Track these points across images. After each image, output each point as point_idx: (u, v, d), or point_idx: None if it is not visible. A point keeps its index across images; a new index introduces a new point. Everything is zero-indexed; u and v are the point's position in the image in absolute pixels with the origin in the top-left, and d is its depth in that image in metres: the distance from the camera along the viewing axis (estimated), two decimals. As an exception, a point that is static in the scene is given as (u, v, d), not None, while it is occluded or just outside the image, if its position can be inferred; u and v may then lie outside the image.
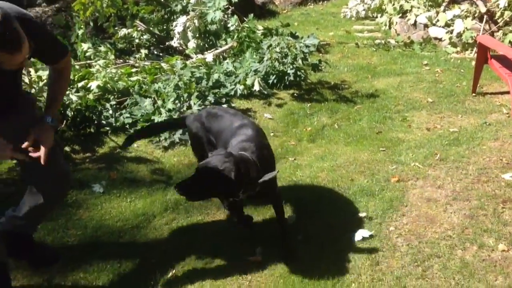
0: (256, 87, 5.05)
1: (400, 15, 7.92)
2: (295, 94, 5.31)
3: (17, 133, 2.33)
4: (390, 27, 7.98)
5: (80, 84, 4.63)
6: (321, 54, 6.56)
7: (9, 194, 3.39)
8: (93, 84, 4.59)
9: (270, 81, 5.37)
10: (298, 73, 5.45)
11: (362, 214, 3.23)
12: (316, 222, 3.21)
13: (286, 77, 5.38)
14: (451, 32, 6.93)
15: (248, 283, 2.70)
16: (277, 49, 5.45)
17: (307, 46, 5.47)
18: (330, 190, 3.58)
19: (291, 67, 5.39)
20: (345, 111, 4.98)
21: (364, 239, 2.99)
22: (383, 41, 7.18)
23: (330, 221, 3.21)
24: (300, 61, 5.42)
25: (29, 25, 2.15)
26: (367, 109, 4.99)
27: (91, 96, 4.47)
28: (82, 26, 5.65)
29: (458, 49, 6.76)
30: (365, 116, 4.83)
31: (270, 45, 5.54)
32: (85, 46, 5.45)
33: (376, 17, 8.65)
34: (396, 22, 7.83)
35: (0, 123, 2.35)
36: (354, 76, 5.94)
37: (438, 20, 7.24)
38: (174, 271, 2.78)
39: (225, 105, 4.89)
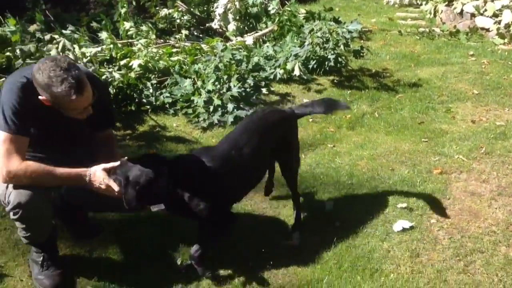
0: (296, 72, 4.98)
1: (446, 3, 7.67)
2: (335, 81, 5.23)
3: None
4: (435, 15, 7.74)
5: (122, 62, 4.67)
6: (362, 41, 6.43)
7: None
8: (135, 63, 4.62)
9: (310, 66, 5.29)
10: (339, 59, 5.35)
11: (402, 205, 3.16)
12: (355, 210, 3.17)
13: (326, 63, 5.29)
14: (499, 22, 6.68)
15: (285, 267, 2.69)
16: (319, 34, 5.35)
17: (349, 32, 5.35)
18: (369, 178, 3.52)
19: (332, 52, 5.29)
20: (386, 99, 4.88)
21: (404, 230, 2.94)
22: (427, 30, 6.97)
23: (369, 209, 3.17)
24: (342, 47, 5.32)
25: (95, 81, 2.39)
26: (409, 98, 4.87)
27: (132, 75, 4.50)
28: (125, 5, 5.66)
29: (506, 40, 6.51)
30: (407, 105, 4.72)
31: (312, 30, 5.45)
32: (127, 25, 5.47)
33: (421, 4, 8.41)
34: (442, 10, 7.60)
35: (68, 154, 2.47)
36: (396, 64, 5.80)
37: (485, 10, 6.99)
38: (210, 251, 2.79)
39: (264, 89, 4.87)
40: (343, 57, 5.42)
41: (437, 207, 3.16)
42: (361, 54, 5.64)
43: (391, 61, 5.90)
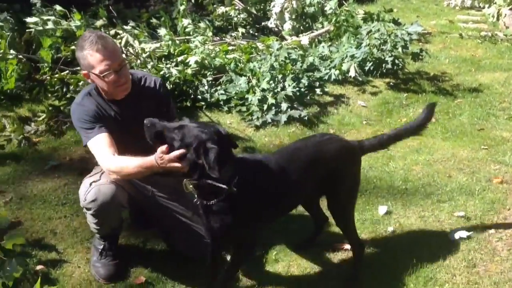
0: (352, 73, 4.92)
1: (510, 7, 7.36)
2: (391, 83, 5.12)
3: None
4: (498, 19, 7.43)
5: (179, 59, 4.75)
6: (420, 43, 6.26)
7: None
8: (192, 59, 4.69)
9: (366, 68, 5.21)
10: (396, 61, 5.24)
11: (459, 213, 3.07)
12: (409, 215, 3.11)
13: (383, 65, 5.20)
14: None
15: (337, 269, 2.67)
16: (376, 35, 5.26)
17: (409, 34, 5.23)
18: (425, 184, 3.44)
19: (389, 54, 5.19)
20: (444, 104, 4.74)
21: (461, 239, 2.85)
22: (489, 34, 6.71)
23: (424, 216, 3.10)
24: (400, 49, 5.20)
25: (158, 82, 2.64)
26: (468, 104, 4.72)
27: (189, 71, 4.58)
28: (184, 2, 5.77)
29: None
30: (466, 111, 4.57)
31: (370, 31, 5.36)
32: (185, 22, 5.57)
33: (483, 7, 8.09)
34: (506, 14, 7.28)
35: None
36: (455, 68, 5.62)
37: (553, 15, 6.66)
38: (263, 252, 2.80)
39: (318, 89, 4.83)
40: (401, 60, 5.30)
41: (496, 217, 3.05)
42: (420, 56, 5.51)
43: (451, 64, 5.73)
